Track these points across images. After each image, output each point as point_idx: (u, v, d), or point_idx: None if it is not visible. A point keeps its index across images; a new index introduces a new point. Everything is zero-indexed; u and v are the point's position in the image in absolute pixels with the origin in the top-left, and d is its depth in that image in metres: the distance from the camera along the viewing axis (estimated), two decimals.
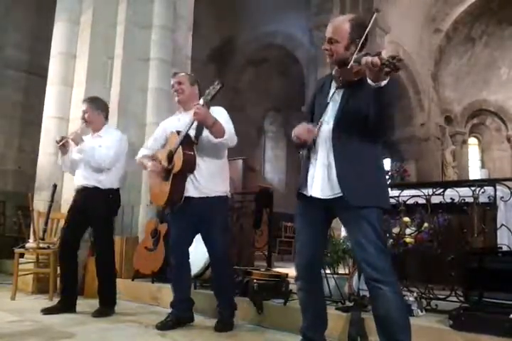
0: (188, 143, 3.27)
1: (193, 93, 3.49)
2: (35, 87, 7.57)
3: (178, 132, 3.30)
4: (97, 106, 4.08)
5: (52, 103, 5.45)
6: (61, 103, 5.43)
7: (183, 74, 3.57)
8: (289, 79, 13.75)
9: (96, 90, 5.26)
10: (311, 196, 2.37)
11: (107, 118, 4.16)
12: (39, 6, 8.44)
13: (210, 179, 3.34)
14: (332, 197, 2.30)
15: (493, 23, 15.06)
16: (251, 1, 12.23)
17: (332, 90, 2.41)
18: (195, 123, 3.20)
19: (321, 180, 2.34)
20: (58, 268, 4.60)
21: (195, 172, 3.31)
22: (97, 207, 3.88)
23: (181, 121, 3.43)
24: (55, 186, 4.86)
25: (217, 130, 3.17)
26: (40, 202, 5.18)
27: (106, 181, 3.92)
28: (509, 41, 15.28)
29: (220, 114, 3.33)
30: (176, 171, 3.26)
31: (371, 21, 2.29)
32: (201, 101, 3.10)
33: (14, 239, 6.97)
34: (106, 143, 3.93)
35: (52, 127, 5.39)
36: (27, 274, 4.79)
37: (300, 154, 2.45)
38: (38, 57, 7.69)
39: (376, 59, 1.97)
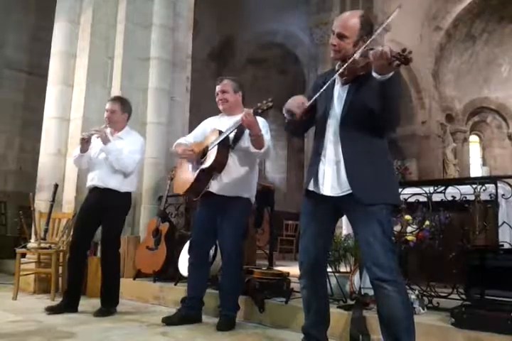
0: (225, 145, 3.31)
1: (237, 100, 3.52)
2: (36, 87, 7.58)
3: (220, 132, 3.35)
4: (126, 108, 4.10)
5: (53, 103, 5.45)
6: (61, 103, 5.42)
7: (226, 81, 3.55)
8: (289, 77, 13.74)
9: (96, 90, 5.27)
10: (321, 194, 2.34)
11: (128, 121, 4.16)
12: (39, 6, 8.45)
13: (235, 181, 3.37)
14: (342, 194, 2.28)
15: (493, 20, 15.03)
16: (251, 0, 12.22)
17: (337, 86, 2.39)
18: (237, 129, 3.26)
19: (331, 177, 2.32)
20: (60, 267, 4.63)
21: (223, 172, 3.35)
22: (111, 208, 3.89)
23: (222, 123, 3.49)
24: (56, 186, 4.87)
25: (259, 143, 3.21)
26: (41, 202, 5.18)
27: (126, 184, 3.95)
28: (510, 38, 15.24)
29: (260, 124, 3.35)
30: (204, 167, 3.30)
31: (392, 16, 2.22)
32: (251, 112, 3.11)
33: (16, 239, 6.98)
34: (130, 147, 3.95)
35: (52, 127, 5.39)
36: (28, 274, 4.79)
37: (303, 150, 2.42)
38: (39, 58, 7.70)
39: (386, 49, 1.94)
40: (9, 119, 8.47)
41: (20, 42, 8.63)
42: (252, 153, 3.29)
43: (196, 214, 3.67)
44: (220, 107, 3.55)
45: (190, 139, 3.66)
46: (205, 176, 3.34)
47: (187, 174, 3.44)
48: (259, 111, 3.11)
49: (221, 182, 3.37)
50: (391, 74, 2.02)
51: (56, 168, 5.30)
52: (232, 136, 3.34)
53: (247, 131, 3.25)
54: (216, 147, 3.29)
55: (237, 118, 3.29)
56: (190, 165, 3.45)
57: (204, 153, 3.37)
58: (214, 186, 3.38)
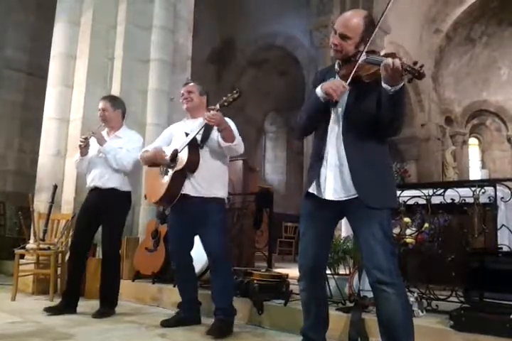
0: (194, 145, 3.33)
1: (201, 102, 3.59)
2: (36, 88, 7.57)
3: (187, 134, 3.38)
4: (116, 104, 4.11)
5: (53, 104, 5.45)
6: (61, 104, 5.42)
7: (193, 83, 3.65)
8: (289, 79, 13.75)
9: (96, 91, 5.27)
10: (323, 198, 2.33)
11: (123, 118, 4.17)
12: (39, 6, 8.45)
13: (208, 181, 3.36)
14: (345, 198, 2.27)
15: (493, 23, 15.05)
16: (251, 2, 12.23)
17: None
18: (203, 128, 3.28)
19: (333, 181, 2.30)
20: (59, 268, 4.62)
21: (196, 173, 3.34)
22: (112, 209, 3.89)
23: (187, 127, 3.51)
24: (55, 187, 4.86)
25: (228, 135, 3.24)
26: (40, 203, 5.18)
27: (125, 183, 3.96)
28: (509, 41, 15.26)
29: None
30: (178, 169, 3.30)
31: (387, 7, 2.22)
32: (217, 106, 3.16)
33: (14, 239, 6.97)
34: (128, 145, 3.96)
35: (52, 128, 5.39)
36: (27, 275, 4.78)
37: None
38: (39, 58, 7.69)
39: (398, 63, 1.94)
40: (9, 120, 8.45)
41: (21, 42, 8.62)
42: (221, 149, 3.31)
43: (169, 222, 3.66)
44: (184, 106, 3.59)
45: (158, 146, 3.63)
46: (179, 178, 3.33)
47: (158, 181, 3.41)
48: (226, 103, 3.16)
49: (194, 183, 3.35)
50: (401, 84, 2.03)
51: (55, 168, 5.30)
52: (199, 137, 3.35)
53: (213, 131, 3.31)
54: (187, 148, 3.30)
55: (201, 120, 3.31)
56: (160, 172, 3.43)
57: (174, 157, 3.37)
58: (188, 188, 3.35)
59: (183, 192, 3.34)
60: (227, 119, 3.40)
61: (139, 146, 4.02)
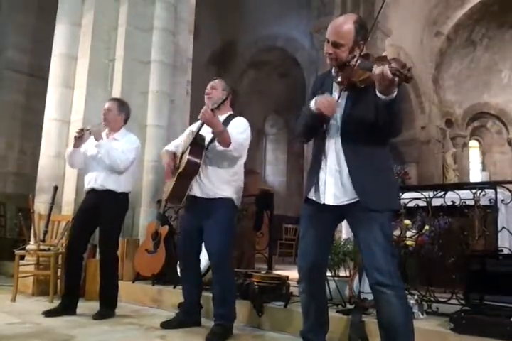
0: (197, 146, 3.29)
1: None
2: (37, 89, 7.58)
3: (193, 133, 3.36)
4: (123, 109, 4.13)
5: (53, 105, 5.45)
6: (62, 105, 5.42)
7: (218, 80, 3.58)
8: (289, 81, 13.76)
9: (97, 92, 5.28)
10: (322, 203, 2.33)
11: (125, 122, 4.17)
12: (40, 8, 8.47)
13: (214, 183, 3.32)
14: (346, 203, 2.27)
15: (493, 26, 15.08)
16: (251, 4, 12.25)
17: (334, 92, 2.37)
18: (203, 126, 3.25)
19: (333, 186, 2.31)
20: (59, 270, 4.62)
21: (202, 174, 3.32)
22: (108, 210, 3.89)
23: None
24: (55, 188, 4.86)
25: (223, 139, 3.17)
26: (40, 204, 5.18)
27: (121, 184, 3.95)
28: (510, 44, 15.28)
29: (237, 123, 3.35)
30: (179, 172, 3.30)
31: (379, 12, 2.20)
32: (210, 106, 3.13)
33: (15, 240, 6.97)
34: (124, 147, 3.97)
35: (53, 129, 5.39)
36: (27, 276, 4.78)
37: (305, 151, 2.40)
38: (40, 60, 7.70)
39: (387, 70, 1.93)
40: (9, 121, 8.45)
41: (22, 43, 8.63)
42: (222, 152, 3.24)
43: (182, 219, 3.66)
44: (206, 102, 3.48)
45: (178, 144, 3.63)
46: (183, 180, 3.31)
47: (171, 181, 3.43)
48: (216, 105, 3.12)
49: (201, 184, 3.33)
50: (394, 95, 2.02)
51: (56, 170, 5.30)
52: (209, 136, 3.30)
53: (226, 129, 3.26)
54: (188, 150, 3.27)
55: (222, 118, 3.31)
56: (173, 174, 3.44)
57: (181, 158, 3.37)
58: (195, 189, 3.34)
59: (191, 194, 3.34)
60: (239, 119, 3.40)
61: (135, 148, 4.04)
